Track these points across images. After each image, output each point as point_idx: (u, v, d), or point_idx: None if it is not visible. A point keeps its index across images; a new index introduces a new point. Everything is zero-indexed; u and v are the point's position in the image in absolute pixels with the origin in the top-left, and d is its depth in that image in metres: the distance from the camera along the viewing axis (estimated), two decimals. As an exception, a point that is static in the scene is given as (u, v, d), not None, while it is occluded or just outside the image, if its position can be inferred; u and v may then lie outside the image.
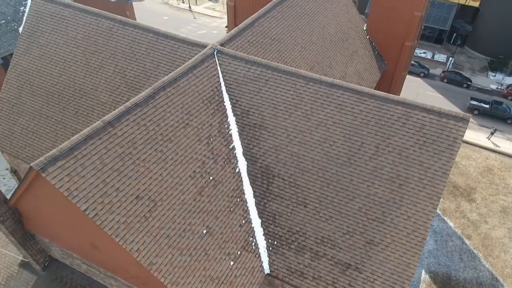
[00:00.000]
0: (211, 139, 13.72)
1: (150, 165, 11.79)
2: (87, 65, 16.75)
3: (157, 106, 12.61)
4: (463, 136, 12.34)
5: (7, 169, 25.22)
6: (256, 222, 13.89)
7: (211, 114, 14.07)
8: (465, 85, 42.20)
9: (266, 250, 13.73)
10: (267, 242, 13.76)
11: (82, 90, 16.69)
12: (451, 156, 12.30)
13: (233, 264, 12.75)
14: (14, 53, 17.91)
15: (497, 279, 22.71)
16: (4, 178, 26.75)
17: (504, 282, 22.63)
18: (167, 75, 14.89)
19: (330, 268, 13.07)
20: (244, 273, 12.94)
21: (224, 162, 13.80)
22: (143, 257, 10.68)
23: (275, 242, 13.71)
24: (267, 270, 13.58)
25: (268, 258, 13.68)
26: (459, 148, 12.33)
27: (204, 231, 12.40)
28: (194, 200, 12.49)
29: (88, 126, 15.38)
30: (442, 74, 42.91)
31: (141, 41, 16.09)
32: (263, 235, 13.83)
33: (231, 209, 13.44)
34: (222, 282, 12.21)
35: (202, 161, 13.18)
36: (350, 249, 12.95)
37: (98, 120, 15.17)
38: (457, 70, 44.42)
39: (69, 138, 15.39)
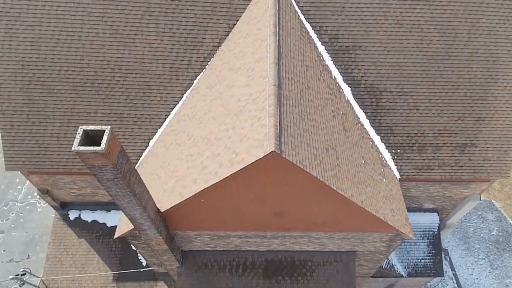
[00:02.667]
0: (323, 74, 13.15)
1: (315, 117, 11.16)
2: (115, 34, 13.45)
3: (287, 56, 11.34)
4: (541, 2, 13.95)
5: (36, 194, 21.30)
6: (376, 139, 14.56)
7: (309, 49, 13.18)
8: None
9: (392, 160, 14.78)
10: (391, 153, 14.74)
11: (122, 68, 13.67)
12: (536, 23, 14.00)
13: (385, 181, 13.65)
14: (-10, 47, 13.28)
15: None
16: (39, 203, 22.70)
17: None
18: (228, 21, 13.09)
19: (451, 153, 14.87)
20: (393, 186, 14.02)
21: (338, 93, 13.57)
22: (361, 202, 10.91)
23: (398, 151, 14.76)
24: (398, 176, 14.84)
25: (395, 166, 14.83)
26: (539, 13, 14.02)
27: (363, 161, 12.78)
28: (346, 137, 12.49)
29: (153, 109, 13.40)
30: None
31: (180, -14, 13.27)
32: (386, 148, 14.69)
33: (362, 135, 13.78)
34: (390, 198, 13.16)
35: (330, 99, 12.80)
36: (463, 131, 14.72)
37: (162, 99, 13.30)
38: None
39: (132, 130, 13.39)
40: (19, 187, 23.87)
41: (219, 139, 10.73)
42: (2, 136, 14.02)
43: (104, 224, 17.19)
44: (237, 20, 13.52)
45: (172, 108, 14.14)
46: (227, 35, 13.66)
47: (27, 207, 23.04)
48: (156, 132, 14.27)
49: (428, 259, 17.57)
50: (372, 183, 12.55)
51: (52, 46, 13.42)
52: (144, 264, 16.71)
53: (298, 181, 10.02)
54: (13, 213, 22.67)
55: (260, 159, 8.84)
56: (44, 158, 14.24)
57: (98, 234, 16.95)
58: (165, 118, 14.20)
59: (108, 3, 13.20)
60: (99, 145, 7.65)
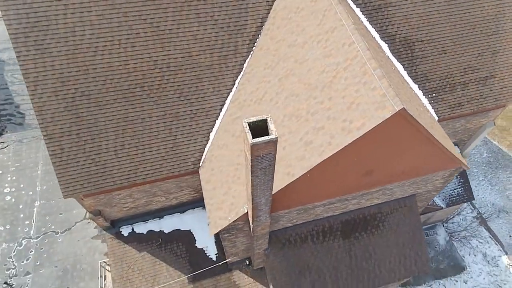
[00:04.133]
0: (369, 35, 13.83)
1: (393, 76, 11.89)
2: (157, 32, 12.97)
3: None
4: None
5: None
6: (415, 88, 15.70)
7: (353, 12, 13.72)
8: None
9: (429, 104, 16.08)
10: (428, 98, 16.02)
11: (170, 66, 13.28)
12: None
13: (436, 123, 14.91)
14: (20, 62, 12.20)
15: None
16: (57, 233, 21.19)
17: None
18: None
19: (476, 87, 16.50)
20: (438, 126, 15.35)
21: (381, 52, 14.38)
22: (442, 143, 12.01)
23: (434, 95, 16.08)
24: (436, 118, 16.23)
25: (433, 110, 16.17)
26: None
27: (421, 109, 13.84)
28: (407, 89, 13.39)
29: (208, 101, 13.50)
30: None
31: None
32: (423, 95, 15.92)
33: (408, 87, 14.81)
34: (446, 137, 14.46)
35: (384, 58, 13.56)
36: (483, 65, 16.37)
37: (215, 89, 13.50)
38: None
39: (190, 126, 13.53)
40: (26, 222, 22.21)
41: (314, 113, 11.08)
42: (53, 162, 13.10)
43: (161, 231, 16.86)
44: (276, -3, 13.60)
45: (226, 97, 14.07)
46: (268, 13, 13.73)
47: (45, 241, 21.58)
48: (214, 125, 14.15)
49: (460, 187, 19.54)
50: (434, 126, 13.70)
51: (91, 55, 12.62)
52: (214, 258, 16.78)
53: (407, 135, 10.78)
54: (31, 251, 21.16)
55: (387, 119, 9.41)
56: (104, 175, 13.57)
57: (159, 243, 16.60)
58: (221, 109, 14.11)
59: (155, 7, 12.64)
60: (267, 134, 7.76)
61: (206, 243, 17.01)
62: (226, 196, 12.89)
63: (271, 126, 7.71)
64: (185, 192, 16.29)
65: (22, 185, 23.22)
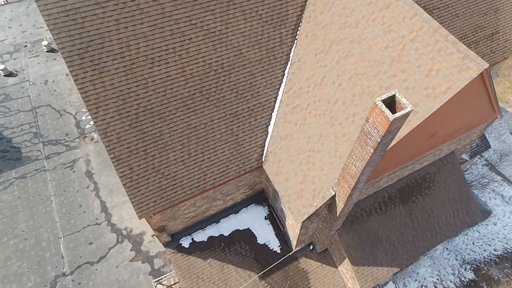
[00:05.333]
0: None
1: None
2: (208, 34, 13.09)
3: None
4: None
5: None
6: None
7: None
8: None
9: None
10: (450, 60, 17.34)
11: (224, 66, 13.47)
12: None
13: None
14: (79, 85, 11.89)
15: None
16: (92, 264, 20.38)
17: None
18: None
19: (485, 43, 18.10)
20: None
21: (411, 22, 15.39)
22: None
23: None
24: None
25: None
26: None
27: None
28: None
29: (262, 95, 14.06)
30: None
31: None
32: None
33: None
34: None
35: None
36: (489, 22, 17.97)
37: (268, 82, 14.17)
38: None
39: (250, 123, 14.16)
40: (55, 259, 21.28)
41: (388, 87, 11.84)
42: (123, 184, 12.88)
43: (222, 235, 17.00)
44: (311, -17, 14.13)
45: (278, 89, 14.47)
46: (306, 1, 14.23)
47: (81, 274, 20.80)
48: (271, 118, 14.52)
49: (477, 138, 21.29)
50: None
51: (148, 68, 12.51)
52: (278, 250, 17.21)
53: (475, 92, 11.84)
54: None
55: (474, 78, 10.37)
56: (175, 188, 13.54)
57: (222, 247, 16.76)
58: (275, 101, 14.50)
59: (191, 4, 12.66)
60: (394, 109, 8.38)
61: (267, 237, 17.38)
62: (304, 184, 13.36)
63: (403, 100, 8.31)
64: (240, 191, 16.53)
65: (38, 223, 22.09)
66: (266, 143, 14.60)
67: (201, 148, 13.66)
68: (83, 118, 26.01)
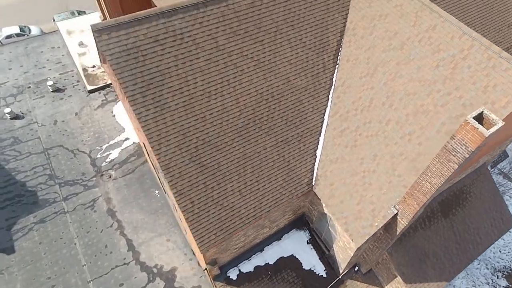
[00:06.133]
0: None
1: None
2: (258, 64, 13.36)
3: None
4: None
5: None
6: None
7: None
8: None
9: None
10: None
11: (274, 95, 13.71)
12: None
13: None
14: (142, 123, 11.84)
15: None
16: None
17: None
18: (340, 12, 14.60)
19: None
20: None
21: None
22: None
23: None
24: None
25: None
26: None
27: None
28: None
29: (309, 121, 14.54)
30: None
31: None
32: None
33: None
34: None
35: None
36: (504, 37, 19.05)
37: (314, 108, 14.61)
38: None
39: (299, 149, 14.50)
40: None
41: (444, 105, 12.29)
42: (186, 218, 12.71)
43: (267, 264, 16.83)
44: (348, 9, 14.72)
45: (324, 113, 14.77)
46: (344, 26, 14.77)
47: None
48: (318, 142, 14.74)
49: (494, 149, 22.14)
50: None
51: (206, 101, 12.62)
52: (324, 275, 17.11)
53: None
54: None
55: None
56: (233, 218, 13.45)
57: (269, 276, 16.55)
58: (321, 126, 14.75)
59: (242, 36, 12.95)
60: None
61: (311, 262, 17.29)
62: (361, 204, 13.51)
63: (492, 116, 8.70)
64: (285, 217, 16.51)
65: (64, 268, 21.22)
66: (315, 167, 14.74)
67: (256, 177, 13.67)
68: (98, 156, 25.53)
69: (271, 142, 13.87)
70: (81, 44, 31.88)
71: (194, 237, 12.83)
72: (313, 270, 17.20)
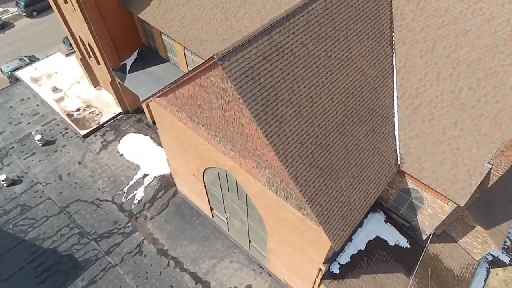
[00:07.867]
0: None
1: None
2: (340, 61, 14.15)
3: None
4: None
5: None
6: None
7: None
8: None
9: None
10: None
11: (356, 86, 14.59)
12: None
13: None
14: (269, 139, 12.09)
15: None
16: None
17: None
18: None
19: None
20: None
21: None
22: None
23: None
24: None
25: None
26: None
27: None
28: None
29: (384, 108, 15.50)
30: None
31: None
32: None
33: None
34: None
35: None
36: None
37: (385, 94, 15.53)
38: None
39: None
40: None
41: (510, 64, 14.04)
42: (320, 222, 13.10)
43: (360, 250, 17.65)
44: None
45: (393, 96, 15.92)
46: (391, 12, 16.01)
47: None
48: (394, 123, 15.84)
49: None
50: None
51: (309, 106, 13.16)
52: (408, 246, 18.31)
53: None
54: None
55: None
56: (352, 211, 14.09)
57: (365, 261, 17.42)
58: (393, 108, 15.89)
59: (324, 38, 13.65)
60: None
61: (395, 238, 18.44)
62: (454, 169, 14.88)
63: None
64: (368, 202, 17.42)
65: (134, 322, 20.08)
66: (397, 147, 15.83)
67: (359, 168, 14.42)
68: (124, 200, 24.28)
69: (362, 132, 14.69)
70: (54, 89, 29.85)
71: (329, 237, 13.21)
72: (398, 245, 18.32)
